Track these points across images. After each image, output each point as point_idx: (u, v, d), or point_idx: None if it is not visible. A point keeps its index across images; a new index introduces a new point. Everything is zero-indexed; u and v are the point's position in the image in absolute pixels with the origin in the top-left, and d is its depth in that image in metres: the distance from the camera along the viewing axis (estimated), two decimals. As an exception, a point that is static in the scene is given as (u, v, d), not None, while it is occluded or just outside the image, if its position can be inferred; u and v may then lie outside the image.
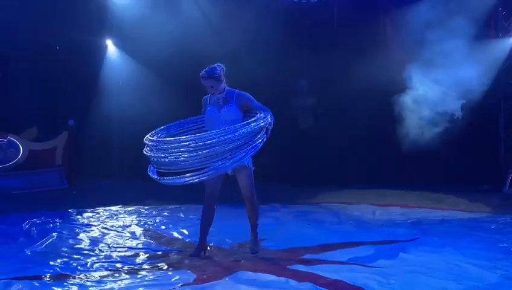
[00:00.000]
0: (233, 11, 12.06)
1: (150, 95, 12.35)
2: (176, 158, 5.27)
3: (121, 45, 13.28)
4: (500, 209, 8.99)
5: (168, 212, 8.85)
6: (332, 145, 11.90)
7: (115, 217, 8.46)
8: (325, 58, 11.68)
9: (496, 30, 11.48)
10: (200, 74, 5.86)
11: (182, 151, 5.25)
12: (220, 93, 5.88)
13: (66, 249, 6.34)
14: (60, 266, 5.62)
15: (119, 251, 6.34)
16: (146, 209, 9.10)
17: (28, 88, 12.34)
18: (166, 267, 5.63)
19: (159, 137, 5.80)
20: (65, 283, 5.00)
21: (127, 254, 6.24)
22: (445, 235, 6.96)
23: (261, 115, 5.65)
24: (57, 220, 7.97)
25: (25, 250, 6.22)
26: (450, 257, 5.82)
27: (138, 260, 5.94)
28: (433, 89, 10.44)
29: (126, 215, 8.62)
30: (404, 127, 10.67)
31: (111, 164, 13.12)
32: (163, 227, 7.75)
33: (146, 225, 7.85)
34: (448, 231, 7.20)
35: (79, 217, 8.41)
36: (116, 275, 5.34)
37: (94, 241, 6.78)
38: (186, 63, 10.72)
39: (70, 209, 8.97)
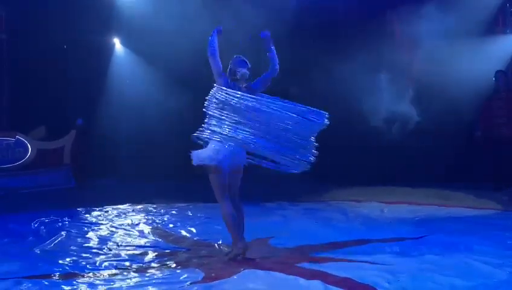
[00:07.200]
0: (240, 8, 12.04)
1: (157, 93, 12.37)
2: None
3: (128, 43, 13.31)
4: (508, 206, 8.95)
5: (176, 211, 8.87)
6: (335, 143, 11.83)
7: (123, 216, 8.49)
8: (329, 56, 11.64)
9: (503, 26, 11.45)
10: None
11: None
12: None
13: (74, 247, 6.37)
14: (69, 264, 5.65)
15: (128, 250, 6.36)
16: (154, 208, 9.13)
17: (35, 87, 12.40)
18: (174, 265, 5.63)
19: None
20: (74, 282, 5.01)
21: (136, 252, 6.25)
22: (453, 232, 6.92)
23: None
24: (66, 219, 8.01)
25: (34, 249, 6.26)
26: (458, 254, 5.80)
27: (147, 259, 5.95)
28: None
29: (134, 214, 8.65)
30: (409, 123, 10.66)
31: (119, 163, 13.14)
32: (171, 225, 7.76)
33: (154, 224, 7.87)
34: (456, 228, 7.17)
35: (87, 215, 8.45)
36: (125, 273, 5.35)
37: (103, 240, 6.80)
38: (193, 61, 10.72)
39: (78, 208, 9.02)
